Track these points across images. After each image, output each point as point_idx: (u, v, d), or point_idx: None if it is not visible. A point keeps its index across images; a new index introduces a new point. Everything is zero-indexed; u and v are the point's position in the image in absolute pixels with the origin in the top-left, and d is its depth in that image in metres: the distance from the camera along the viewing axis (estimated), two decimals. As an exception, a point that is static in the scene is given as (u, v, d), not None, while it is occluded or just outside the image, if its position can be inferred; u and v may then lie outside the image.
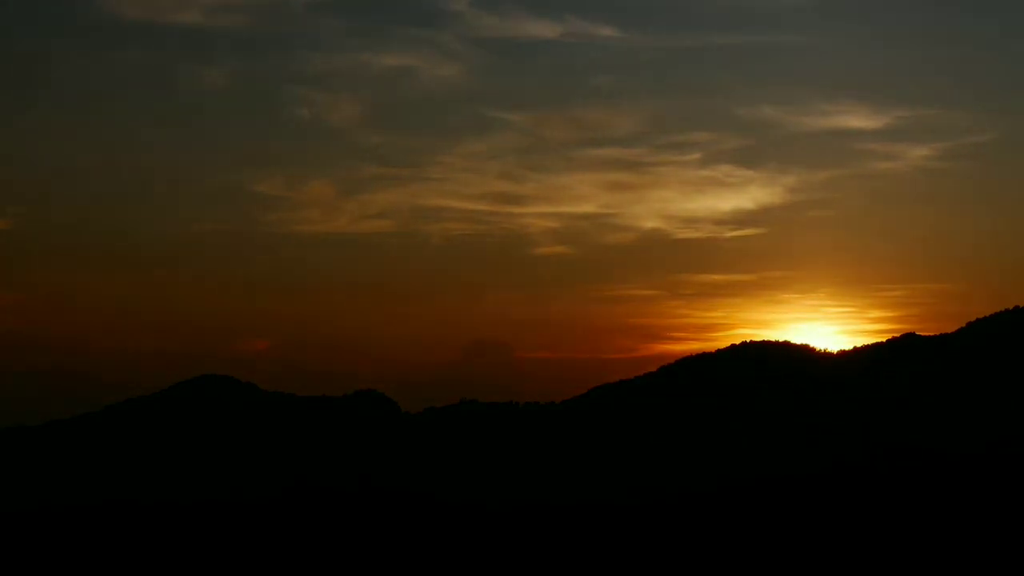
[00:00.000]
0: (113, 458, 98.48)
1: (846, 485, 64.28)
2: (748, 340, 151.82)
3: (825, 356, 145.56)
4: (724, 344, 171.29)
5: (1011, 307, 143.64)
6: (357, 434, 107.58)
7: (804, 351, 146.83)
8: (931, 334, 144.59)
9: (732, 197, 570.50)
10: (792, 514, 53.62)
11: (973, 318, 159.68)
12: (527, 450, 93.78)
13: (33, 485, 77.19)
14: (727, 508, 58.05)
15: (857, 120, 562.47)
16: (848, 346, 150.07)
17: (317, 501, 64.96)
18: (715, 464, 78.86)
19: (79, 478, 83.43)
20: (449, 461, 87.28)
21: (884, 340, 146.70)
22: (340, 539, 47.68)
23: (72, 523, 55.51)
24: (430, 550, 43.77)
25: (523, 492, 68.65)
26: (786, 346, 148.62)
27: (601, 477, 76.33)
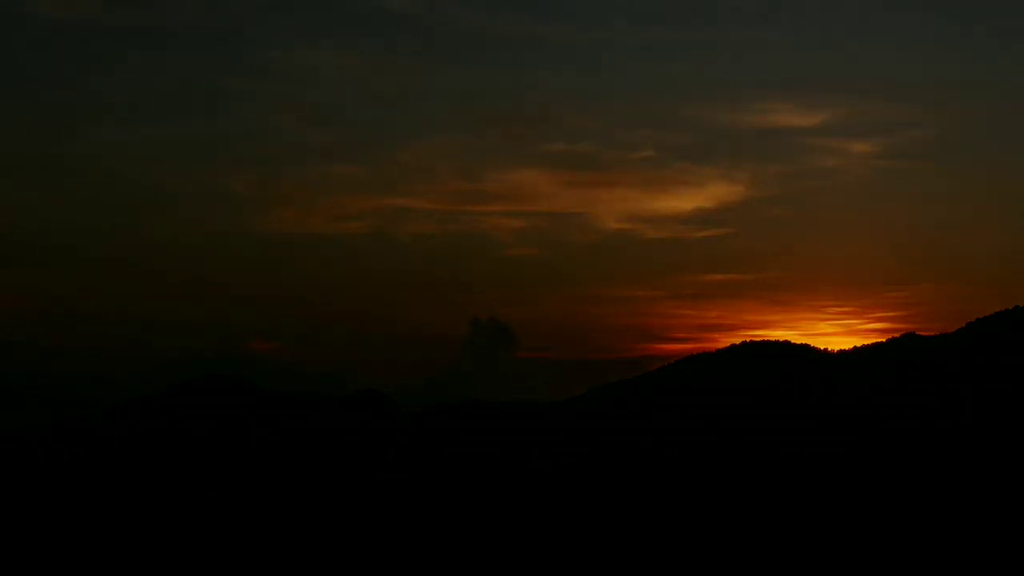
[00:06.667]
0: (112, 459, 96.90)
1: (848, 484, 63.98)
2: (747, 340, 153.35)
3: (826, 355, 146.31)
4: (720, 345, 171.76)
5: (1011, 307, 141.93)
6: (357, 434, 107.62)
7: (805, 351, 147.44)
8: (930, 334, 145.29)
9: (693, 195, 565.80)
10: (792, 513, 53.10)
11: (954, 317, 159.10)
12: (527, 449, 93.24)
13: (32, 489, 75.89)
14: (728, 508, 57.28)
15: (794, 117, 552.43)
16: (848, 346, 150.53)
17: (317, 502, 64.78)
18: (714, 466, 77.33)
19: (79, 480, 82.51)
20: (450, 461, 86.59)
21: (884, 340, 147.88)
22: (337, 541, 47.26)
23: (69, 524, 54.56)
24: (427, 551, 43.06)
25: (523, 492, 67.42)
26: (786, 345, 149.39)
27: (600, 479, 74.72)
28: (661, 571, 37.95)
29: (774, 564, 37.22)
